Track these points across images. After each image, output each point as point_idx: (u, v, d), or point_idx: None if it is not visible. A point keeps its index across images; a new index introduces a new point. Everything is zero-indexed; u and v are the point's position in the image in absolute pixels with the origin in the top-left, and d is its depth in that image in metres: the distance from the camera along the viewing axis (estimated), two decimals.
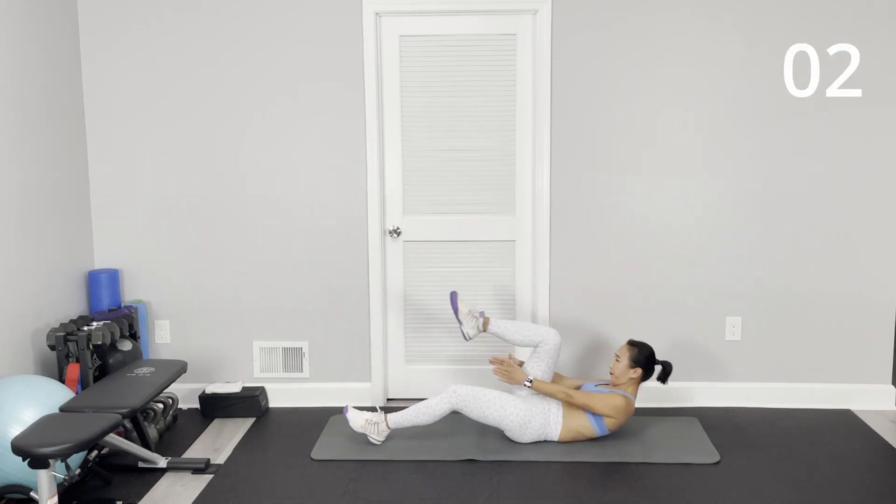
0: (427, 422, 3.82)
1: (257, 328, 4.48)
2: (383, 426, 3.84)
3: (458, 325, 4.09)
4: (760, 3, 4.14)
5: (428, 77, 4.31)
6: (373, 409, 4.04)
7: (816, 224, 4.29)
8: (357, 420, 3.87)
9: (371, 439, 3.86)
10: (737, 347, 4.42)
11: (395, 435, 3.99)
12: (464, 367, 4.53)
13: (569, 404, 3.85)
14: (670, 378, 4.26)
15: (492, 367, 3.84)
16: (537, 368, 3.93)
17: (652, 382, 4.12)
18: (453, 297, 4.05)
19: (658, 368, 3.98)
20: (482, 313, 4.08)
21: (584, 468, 3.62)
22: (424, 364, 4.55)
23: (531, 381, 3.82)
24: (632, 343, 3.94)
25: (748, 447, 3.87)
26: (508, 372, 3.86)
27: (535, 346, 3.97)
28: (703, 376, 4.44)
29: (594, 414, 3.81)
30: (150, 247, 4.42)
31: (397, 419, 3.83)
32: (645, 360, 3.89)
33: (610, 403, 3.78)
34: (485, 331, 4.03)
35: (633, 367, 3.88)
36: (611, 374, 3.94)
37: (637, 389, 3.92)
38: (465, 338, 4.04)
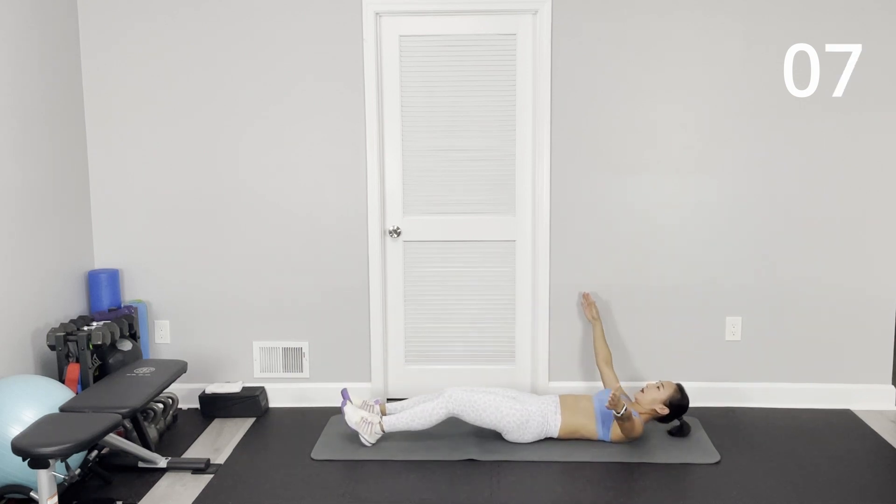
0: (422, 427, 3.81)
1: (257, 328, 4.48)
2: (377, 427, 3.82)
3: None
4: (761, 3, 4.14)
5: (428, 77, 4.31)
6: (375, 401, 4.03)
7: (816, 224, 4.29)
8: (353, 416, 3.85)
9: (362, 439, 3.84)
10: (737, 347, 4.42)
11: (394, 435, 3.99)
12: (464, 367, 4.53)
13: (576, 405, 3.89)
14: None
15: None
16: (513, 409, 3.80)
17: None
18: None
19: (675, 423, 4.02)
20: (377, 402, 4.00)
21: (584, 468, 3.62)
22: (424, 364, 4.55)
23: (624, 412, 3.63)
24: (680, 388, 3.93)
25: (748, 447, 3.87)
26: (615, 401, 3.60)
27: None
28: (703, 376, 4.44)
29: (604, 422, 3.84)
30: (150, 247, 4.43)
31: (392, 422, 3.82)
32: (678, 408, 3.89)
33: (636, 432, 3.78)
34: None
35: (664, 405, 3.88)
36: (641, 391, 3.94)
37: (646, 420, 3.92)
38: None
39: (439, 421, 3.81)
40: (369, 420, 3.83)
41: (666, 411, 3.87)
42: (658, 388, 3.92)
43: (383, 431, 3.84)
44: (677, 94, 4.23)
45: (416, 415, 3.80)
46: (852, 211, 4.27)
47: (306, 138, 4.32)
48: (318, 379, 4.52)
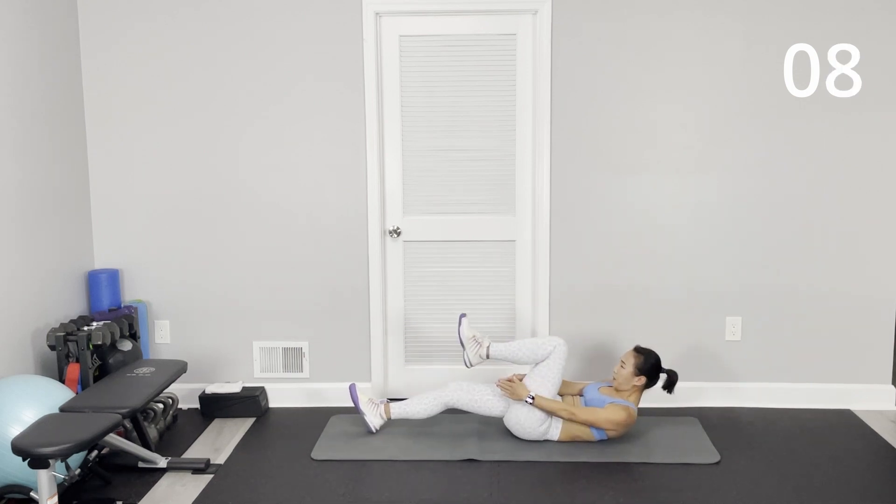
0: (526, 360, 3.92)
1: (257, 328, 4.48)
2: (484, 350, 4.00)
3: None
4: (761, 3, 4.14)
5: (428, 77, 4.31)
6: (380, 402, 4.04)
7: (816, 224, 4.29)
8: (467, 332, 4.05)
9: (465, 357, 4.00)
10: (737, 347, 4.42)
11: (394, 434, 4.00)
12: (464, 367, 4.53)
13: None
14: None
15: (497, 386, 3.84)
16: (547, 381, 3.85)
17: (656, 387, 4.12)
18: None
19: (663, 377, 3.95)
20: (381, 402, 4.04)
21: (584, 468, 3.62)
22: (424, 364, 4.55)
23: (533, 398, 3.76)
24: (638, 350, 3.90)
25: (748, 447, 3.87)
26: (512, 388, 3.79)
27: (545, 359, 3.91)
28: (703, 376, 4.44)
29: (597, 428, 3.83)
30: (150, 247, 4.43)
31: (500, 349, 3.98)
32: (650, 368, 3.85)
33: (612, 419, 3.76)
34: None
35: (637, 375, 3.84)
36: (614, 378, 3.91)
37: (640, 397, 3.90)
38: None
39: (546, 355, 3.87)
40: (479, 340, 4.01)
41: (643, 379, 3.85)
42: (622, 366, 3.88)
43: (489, 356, 3.99)
44: (677, 94, 4.23)
45: (524, 345, 3.93)
46: (852, 211, 4.27)
47: (306, 138, 4.32)
48: (318, 379, 4.52)
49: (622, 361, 3.89)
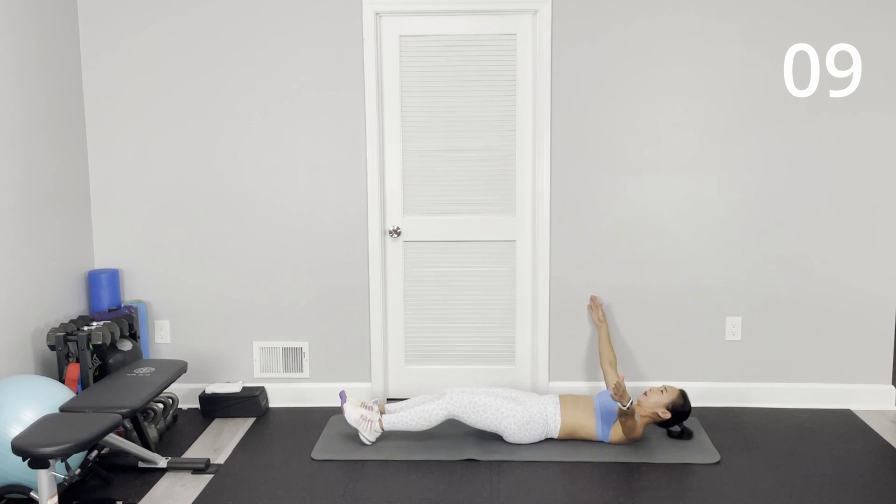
0: (422, 428, 3.82)
1: (257, 328, 4.48)
2: (377, 425, 3.83)
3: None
4: (761, 3, 4.14)
5: (428, 77, 4.31)
6: (374, 402, 4.03)
7: (816, 224, 4.29)
8: (353, 414, 3.86)
9: (362, 437, 3.85)
10: (737, 347, 4.42)
11: (394, 435, 4.00)
12: (464, 367, 4.53)
13: (576, 405, 3.90)
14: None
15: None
16: (506, 411, 3.79)
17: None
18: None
19: (677, 428, 4.00)
20: (375, 402, 3.97)
21: (584, 468, 3.62)
22: (424, 364, 4.55)
23: (630, 405, 3.66)
24: (684, 394, 3.91)
25: (748, 447, 3.87)
26: (623, 391, 3.64)
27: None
28: (703, 376, 4.44)
29: (604, 422, 3.83)
30: (150, 247, 4.43)
31: (392, 421, 3.83)
32: (680, 414, 3.87)
33: (637, 433, 3.79)
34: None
35: (666, 409, 3.85)
36: (644, 394, 3.90)
37: (647, 424, 3.90)
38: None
39: (439, 422, 3.82)
40: (369, 418, 3.84)
41: (668, 415, 3.85)
42: (662, 391, 3.90)
43: (382, 430, 3.84)
44: (677, 95, 4.23)
45: (417, 415, 3.81)
46: (852, 211, 4.27)
47: (306, 138, 4.33)
48: (318, 379, 4.52)
49: (664, 388, 3.89)
